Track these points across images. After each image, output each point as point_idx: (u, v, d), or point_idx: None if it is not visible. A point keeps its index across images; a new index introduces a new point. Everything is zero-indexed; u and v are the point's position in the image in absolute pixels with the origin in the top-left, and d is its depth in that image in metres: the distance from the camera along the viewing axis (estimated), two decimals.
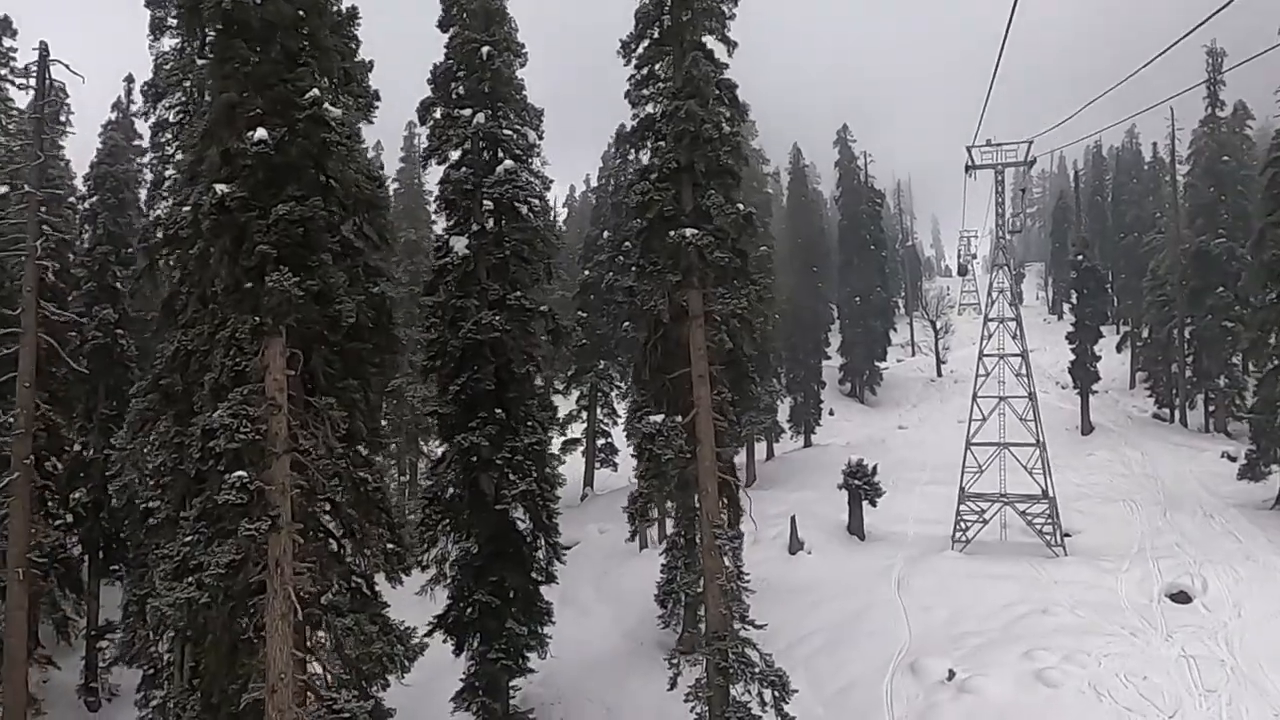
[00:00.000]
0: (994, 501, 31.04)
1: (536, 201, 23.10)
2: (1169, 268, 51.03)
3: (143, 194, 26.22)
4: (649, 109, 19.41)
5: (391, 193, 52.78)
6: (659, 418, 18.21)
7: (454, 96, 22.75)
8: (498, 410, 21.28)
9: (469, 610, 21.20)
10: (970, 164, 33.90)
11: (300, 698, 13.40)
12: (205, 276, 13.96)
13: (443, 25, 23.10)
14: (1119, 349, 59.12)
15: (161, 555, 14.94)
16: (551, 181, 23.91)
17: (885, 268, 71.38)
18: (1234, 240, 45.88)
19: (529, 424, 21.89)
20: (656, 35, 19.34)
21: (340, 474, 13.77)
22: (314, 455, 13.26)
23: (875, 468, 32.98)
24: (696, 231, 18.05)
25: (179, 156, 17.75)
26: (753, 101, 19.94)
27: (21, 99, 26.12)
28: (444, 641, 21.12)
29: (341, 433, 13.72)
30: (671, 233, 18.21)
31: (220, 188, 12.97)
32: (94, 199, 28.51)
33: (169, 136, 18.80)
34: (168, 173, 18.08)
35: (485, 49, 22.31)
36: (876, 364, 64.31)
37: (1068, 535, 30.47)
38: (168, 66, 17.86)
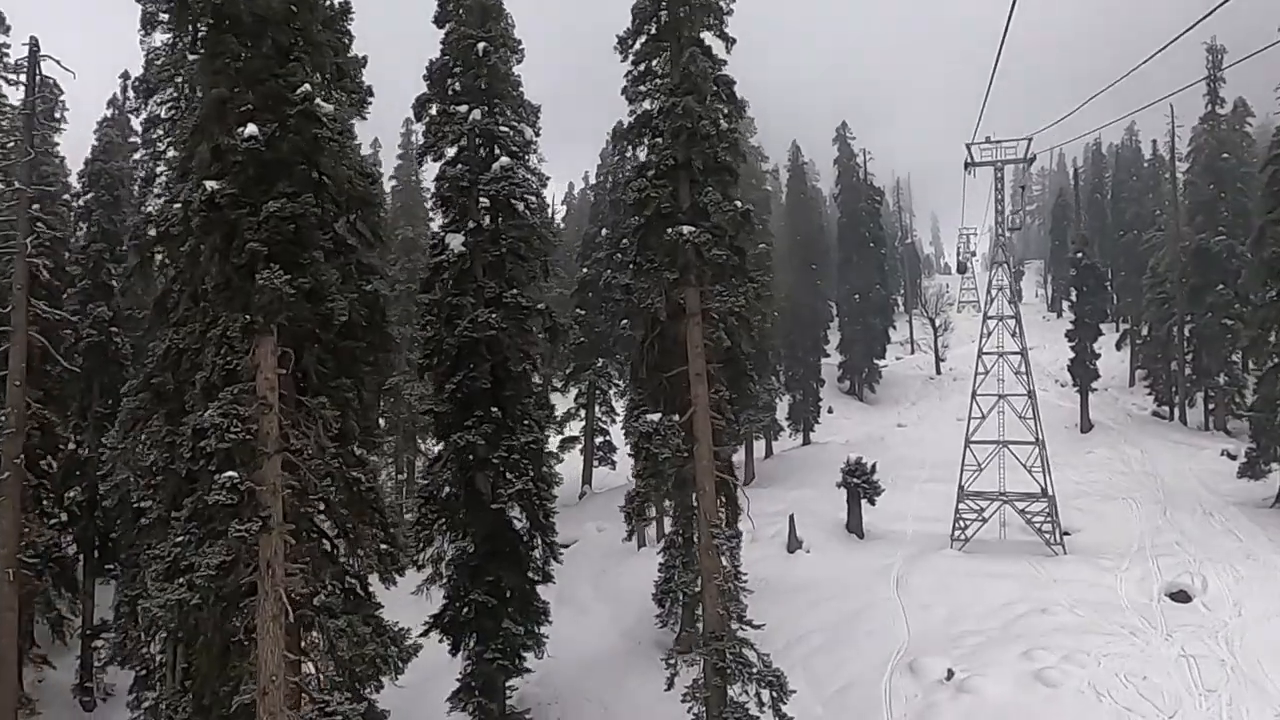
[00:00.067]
0: (993, 500, 30.94)
1: (533, 198, 22.94)
2: (1169, 265, 50.90)
3: (137, 191, 26.04)
4: (646, 105, 19.26)
5: (389, 190, 52.66)
6: (656, 416, 18.09)
7: (450, 93, 22.59)
8: (494, 409, 21.14)
9: (465, 610, 21.08)
10: (970, 161, 33.77)
11: (293, 700, 13.28)
12: (196, 274, 13.83)
13: (439, 21, 22.94)
14: (1118, 347, 59.02)
15: (153, 556, 14.82)
16: (549, 178, 23.79)
17: (884, 265, 71.27)
18: (1234, 238, 45.74)
19: (525, 423, 21.75)
20: (654, 31, 19.20)
21: (333, 474, 13.64)
22: (306, 455, 13.13)
23: (874, 466, 32.88)
24: (694, 229, 17.90)
25: (170, 153, 17.61)
26: (752, 99, 19.85)
27: (16, 95, 25.87)
28: (440, 641, 21.00)
29: (334, 432, 13.59)
30: (669, 230, 18.06)
31: (210, 184, 12.83)
32: (88, 196, 28.32)
33: (161, 132, 18.64)
34: (159, 169, 17.93)
35: (481, 45, 22.14)
36: (875, 362, 64.19)
37: (1067, 534, 30.37)
38: (159, 62, 17.70)
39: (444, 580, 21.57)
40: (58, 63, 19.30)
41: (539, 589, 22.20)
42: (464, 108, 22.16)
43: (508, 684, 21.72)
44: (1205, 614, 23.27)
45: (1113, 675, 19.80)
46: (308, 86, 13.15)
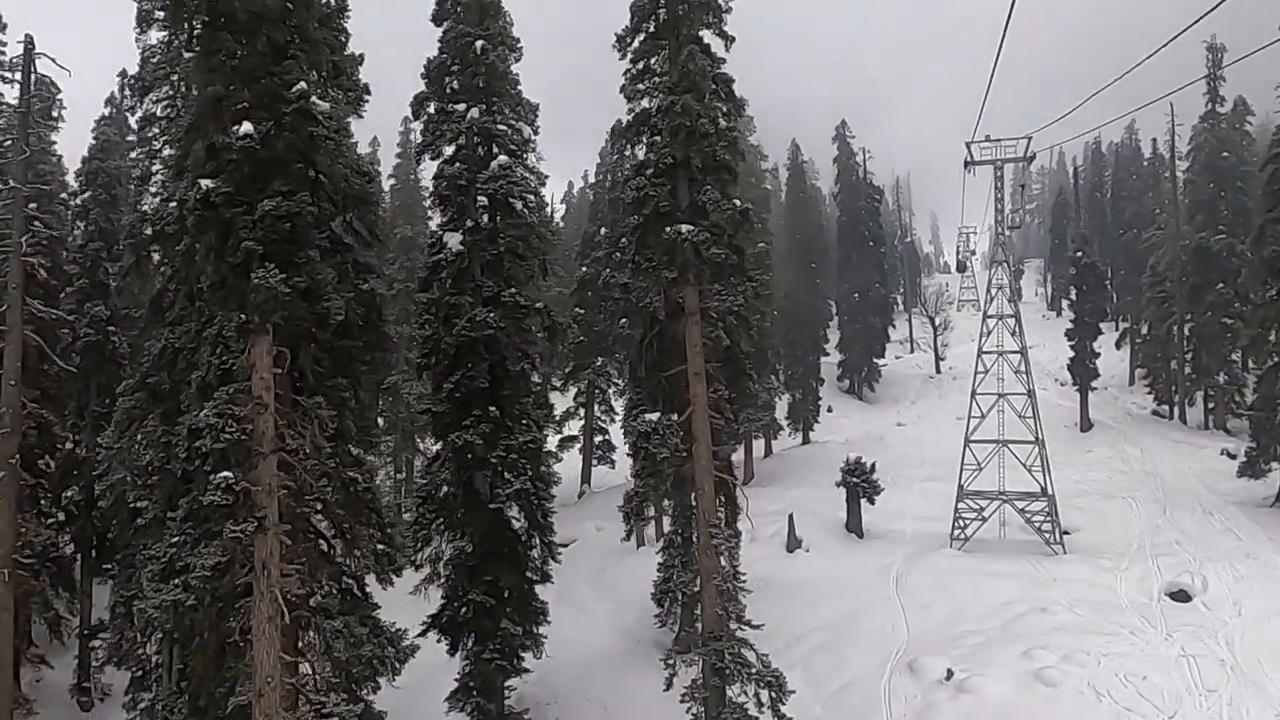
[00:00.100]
0: (993, 499, 30.89)
1: (532, 197, 22.84)
2: (1168, 264, 50.84)
3: (133, 189, 25.97)
4: (645, 103, 19.17)
5: (388, 189, 52.58)
6: (655, 415, 18.02)
7: (448, 91, 22.50)
8: (492, 408, 21.06)
9: (463, 610, 21.01)
10: (969, 160, 33.71)
11: (289, 701, 13.21)
12: (191, 273, 13.75)
13: (436, 19, 22.85)
14: (1118, 346, 58.96)
15: (149, 556, 14.74)
16: (547, 177, 23.66)
17: (884, 264, 71.22)
18: (1234, 236, 45.66)
19: (524, 422, 21.68)
20: (652, 29, 19.10)
21: (329, 474, 13.57)
22: (302, 455, 13.05)
23: (874, 465, 32.84)
24: (692, 227, 17.82)
25: (166, 151, 17.53)
26: (751, 97, 19.76)
27: (11, 94, 25.79)
28: (438, 641, 20.93)
29: (330, 432, 13.52)
30: (667, 229, 17.97)
31: (205, 183, 12.75)
32: (86, 195, 28.26)
33: (156, 131, 18.55)
34: (155, 168, 17.85)
35: (479, 43, 22.05)
36: (875, 361, 64.14)
37: (1067, 533, 30.32)
38: (155, 60, 17.59)
39: (442, 580, 21.49)
40: (53, 61, 19.22)
41: (537, 589, 22.13)
42: (462, 106, 22.07)
43: (506, 684, 21.66)
44: (1205, 613, 23.22)
45: (1113, 675, 19.75)
46: (303, 84, 13.06)
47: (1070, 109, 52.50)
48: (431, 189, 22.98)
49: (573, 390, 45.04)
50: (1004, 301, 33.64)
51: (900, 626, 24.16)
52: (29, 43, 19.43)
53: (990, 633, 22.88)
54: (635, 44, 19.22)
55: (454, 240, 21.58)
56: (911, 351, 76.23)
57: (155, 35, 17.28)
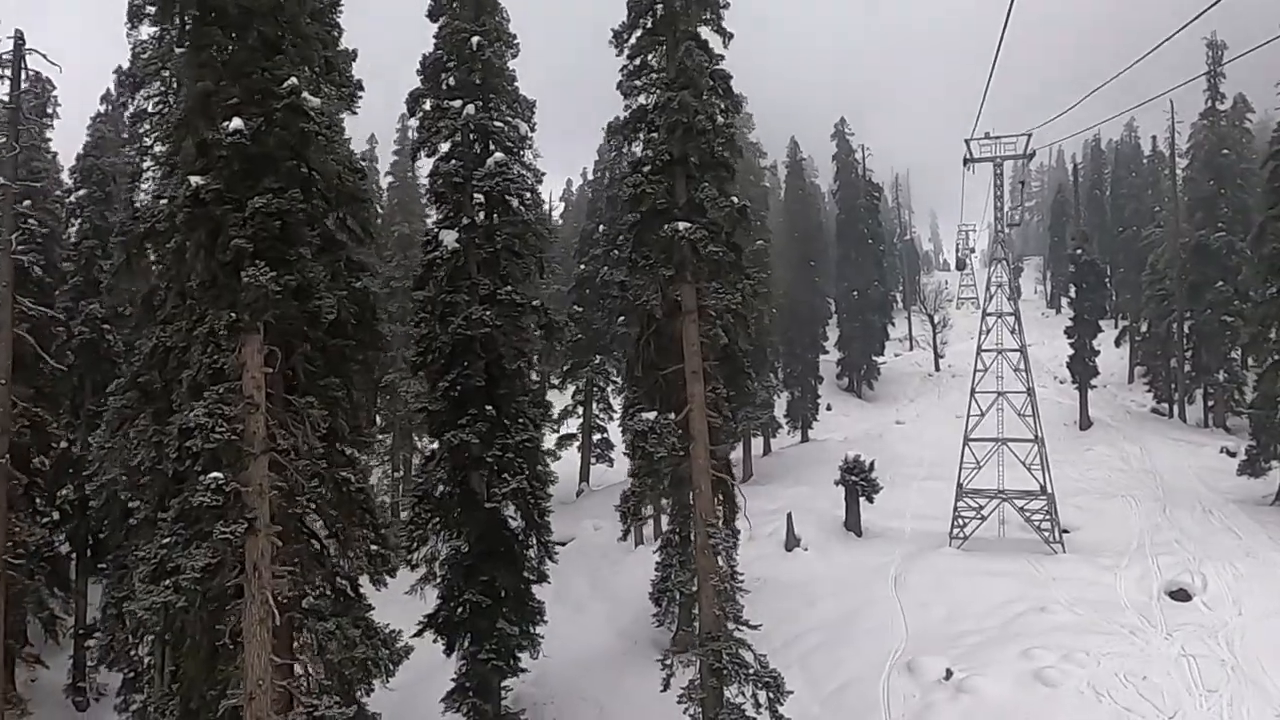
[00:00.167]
0: (992, 497, 30.78)
1: (528, 195, 22.64)
2: (1168, 262, 50.73)
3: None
4: (642, 100, 19.00)
5: (385, 186, 52.44)
6: (652, 414, 17.89)
7: (444, 88, 22.31)
8: (488, 407, 20.92)
9: (459, 610, 20.87)
10: (969, 157, 33.54)
11: (282, 703, 13.08)
12: (182, 271, 13.59)
13: (432, 15, 22.64)
14: (1118, 343, 58.89)
15: (140, 557, 14.60)
16: (544, 174, 23.44)
17: (883, 262, 71.13)
18: (1234, 234, 45.57)
19: (520, 421, 21.53)
20: (649, 25, 18.93)
21: (321, 474, 13.41)
22: (293, 455, 12.90)
23: (872, 463, 32.73)
24: (690, 225, 17.65)
25: (157, 148, 17.35)
26: (750, 95, 19.61)
27: (2, 90, 25.62)
28: (434, 641, 20.81)
29: (322, 432, 13.37)
30: (664, 226, 17.80)
31: (195, 179, 12.60)
32: (80, 192, 28.12)
33: (147, 127, 18.38)
34: (146, 164, 17.68)
35: (475, 39, 21.86)
36: (874, 359, 64.06)
37: (1066, 531, 30.20)
38: (145, 55, 17.42)
39: (438, 580, 21.34)
40: (44, 57, 19.08)
41: (534, 588, 21.98)
42: (458, 102, 21.88)
43: (503, 684, 21.53)
44: (1205, 613, 23.10)
45: (1112, 675, 19.63)
46: (295, 80, 12.89)
47: (1070, 106, 52.27)
48: (427, 186, 22.80)
49: (571, 388, 44.90)
50: (1003, 299, 33.52)
51: (899, 626, 24.05)
52: (19, 38, 19.26)
53: (989, 632, 22.76)
54: (632, 40, 19.05)
55: (450, 238, 21.41)
56: (910, 349, 76.13)
57: (146, 30, 17.14)
